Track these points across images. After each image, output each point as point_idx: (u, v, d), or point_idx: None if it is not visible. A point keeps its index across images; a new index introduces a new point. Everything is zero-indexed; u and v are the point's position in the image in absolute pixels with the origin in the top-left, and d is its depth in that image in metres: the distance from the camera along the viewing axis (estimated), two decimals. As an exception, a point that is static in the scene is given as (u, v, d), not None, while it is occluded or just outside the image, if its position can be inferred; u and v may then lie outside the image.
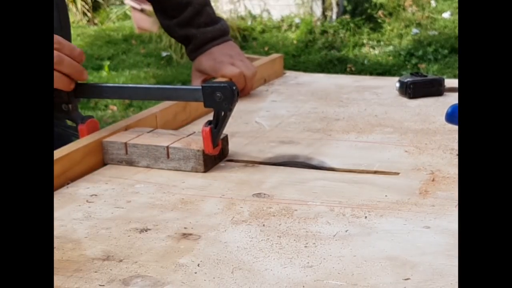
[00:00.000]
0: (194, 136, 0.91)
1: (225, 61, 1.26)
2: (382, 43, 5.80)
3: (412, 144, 0.96)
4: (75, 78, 0.91)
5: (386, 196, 0.76)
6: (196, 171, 0.86)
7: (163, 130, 0.97)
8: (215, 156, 0.89)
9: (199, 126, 0.91)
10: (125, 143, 0.89)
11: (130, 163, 0.89)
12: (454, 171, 0.84)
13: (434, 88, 1.28)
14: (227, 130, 0.89)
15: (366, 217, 0.70)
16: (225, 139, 0.92)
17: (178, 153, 0.87)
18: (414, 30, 5.89)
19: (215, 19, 1.30)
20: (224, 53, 1.28)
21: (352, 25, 6.01)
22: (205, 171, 0.86)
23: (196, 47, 1.29)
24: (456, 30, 5.62)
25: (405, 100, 1.26)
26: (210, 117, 0.88)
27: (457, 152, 0.90)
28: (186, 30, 1.27)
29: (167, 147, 0.87)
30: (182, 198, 0.77)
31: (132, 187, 0.82)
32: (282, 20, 6.11)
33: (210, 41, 1.28)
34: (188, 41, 1.29)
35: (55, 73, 0.88)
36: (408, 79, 1.28)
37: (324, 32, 6.00)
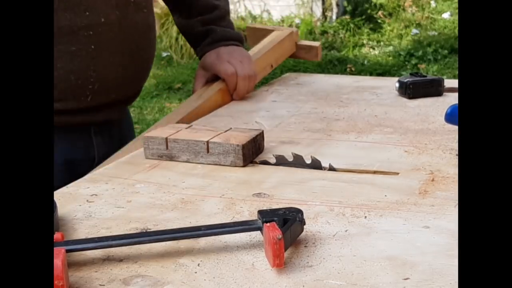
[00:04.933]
0: (232, 132, 0.93)
1: (224, 59, 1.27)
2: (382, 43, 5.80)
3: (411, 144, 0.96)
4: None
5: (385, 196, 0.76)
6: (235, 165, 0.88)
7: (200, 126, 1.00)
8: (253, 151, 0.91)
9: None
10: (166, 138, 0.91)
11: (171, 157, 0.91)
12: (453, 171, 0.84)
13: (433, 88, 1.28)
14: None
15: (365, 217, 0.70)
16: (261, 134, 0.94)
17: (218, 147, 0.89)
18: (414, 31, 5.90)
19: (233, 28, 1.35)
20: (228, 51, 1.29)
21: (352, 25, 6.01)
22: (244, 166, 0.88)
23: (213, 41, 1.31)
24: (456, 31, 5.63)
25: (404, 100, 1.26)
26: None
27: (456, 152, 0.90)
28: (208, 27, 1.31)
29: (207, 142, 0.89)
30: (182, 198, 0.77)
31: (132, 186, 0.82)
32: (282, 21, 6.11)
33: (226, 40, 1.31)
34: (206, 36, 1.32)
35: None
36: (408, 79, 1.28)
37: (324, 32, 6.00)
